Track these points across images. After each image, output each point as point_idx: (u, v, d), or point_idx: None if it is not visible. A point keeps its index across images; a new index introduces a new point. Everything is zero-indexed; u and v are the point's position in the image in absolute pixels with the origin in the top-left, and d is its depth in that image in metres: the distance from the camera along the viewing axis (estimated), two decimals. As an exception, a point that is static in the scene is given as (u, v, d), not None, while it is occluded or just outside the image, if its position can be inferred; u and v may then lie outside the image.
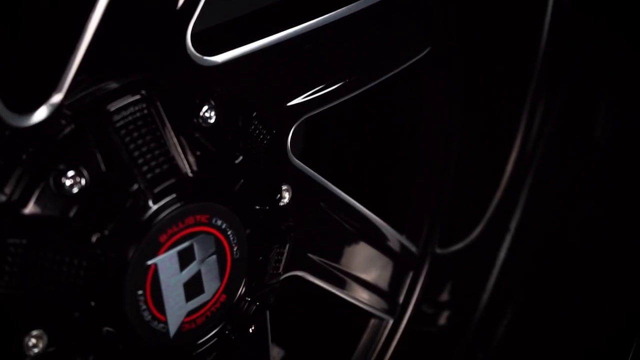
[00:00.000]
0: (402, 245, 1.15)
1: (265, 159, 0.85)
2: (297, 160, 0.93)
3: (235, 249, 0.81)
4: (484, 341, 1.22)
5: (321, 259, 1.01)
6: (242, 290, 0.84)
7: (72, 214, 0.69)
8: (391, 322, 1.22)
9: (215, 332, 0.84)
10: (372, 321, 1.23)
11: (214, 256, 0.80)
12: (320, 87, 0.90)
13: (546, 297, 1.19)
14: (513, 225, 1.21)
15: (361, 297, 1.10)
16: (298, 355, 1.28)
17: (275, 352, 1.27)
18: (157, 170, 0.73)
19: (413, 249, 1.18)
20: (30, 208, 0.68)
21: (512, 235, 1.22)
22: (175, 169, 0.74)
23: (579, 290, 1.16)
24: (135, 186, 0.72)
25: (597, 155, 1.15)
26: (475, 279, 1.24)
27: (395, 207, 1.21)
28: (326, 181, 0.98)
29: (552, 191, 1.19)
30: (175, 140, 0.74)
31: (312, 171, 0.95)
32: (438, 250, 1.24)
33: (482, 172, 1.23)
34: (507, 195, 1.21)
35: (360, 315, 1.20)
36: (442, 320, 1.26)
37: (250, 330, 0.90)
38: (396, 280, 1.18)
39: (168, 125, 0.74)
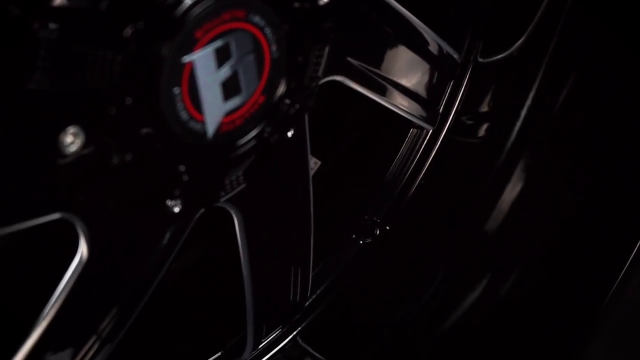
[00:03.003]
0: (444, 52, 1.11)
1: (303, -47, 0.80)
2: (337, -42, 0.88)
3: (273, 48, 0.78)
4: (523, 152, 1.20)
5: (361, 64, 0.98)
6: (281, 91, 0.82)
7: (103, 6, 0.66)
8: (431, 130, 1.20)
9: (254, 135, 0.83)
10: (412, 130, 1.21)
11: (252, 55, 0.77)
12: None
13: (584, 108, 1.16)
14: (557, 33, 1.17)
15: (401, 104, 1.08)
16: (336, 165, 1.27)
17: (312, 162, 1.27)
18: (191, -38, 0.69)
19: (455, 56, 1.14)
20: None
21: (555, 43, 1.17)
22: (210, -40, 0.70)
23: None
24: (169, -23, 0.68)
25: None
26: (517, 89, 1.20)
27: (437, 13, 1.17)
28: (366, -19, 0.94)
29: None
30: None
31: (352, -30, 0.91)
32: (480, 59, 1.20)
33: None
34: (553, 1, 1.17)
35: (399, 123, 1.18)
36: (482, 131, 1.24)
37: (289, 135, 0.89)
38: (437, 88, 1.15)
39: None
